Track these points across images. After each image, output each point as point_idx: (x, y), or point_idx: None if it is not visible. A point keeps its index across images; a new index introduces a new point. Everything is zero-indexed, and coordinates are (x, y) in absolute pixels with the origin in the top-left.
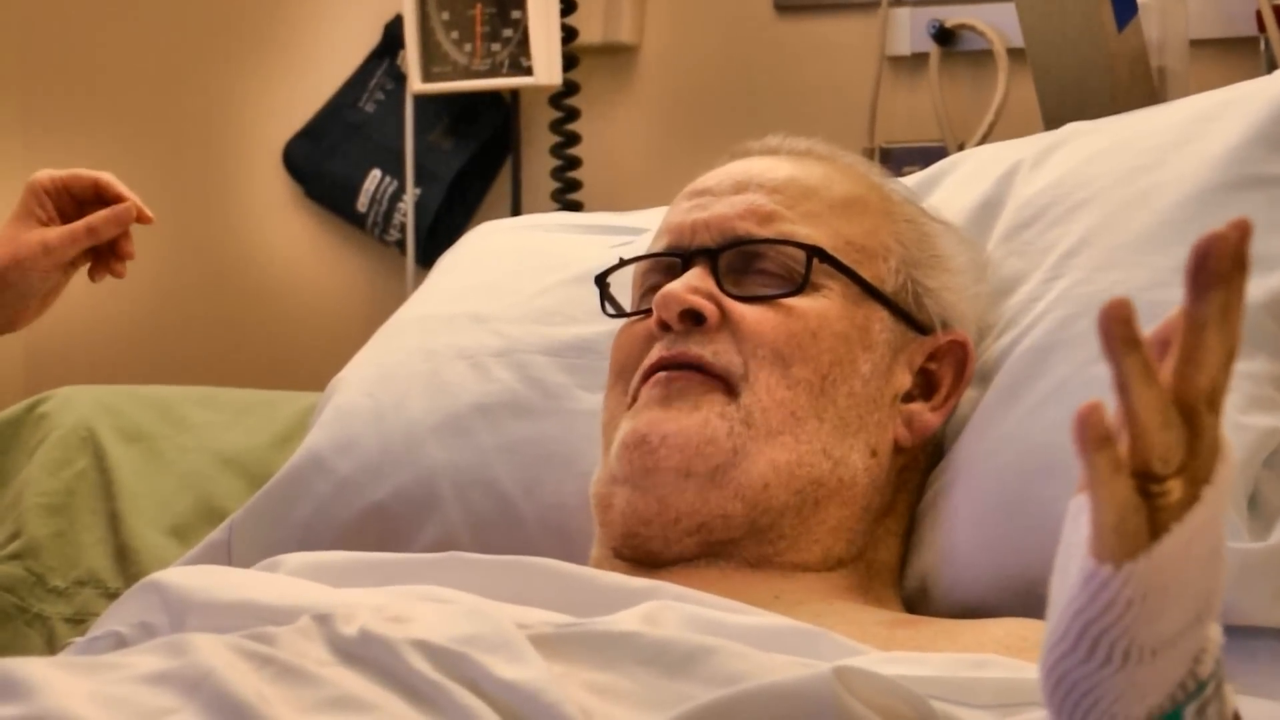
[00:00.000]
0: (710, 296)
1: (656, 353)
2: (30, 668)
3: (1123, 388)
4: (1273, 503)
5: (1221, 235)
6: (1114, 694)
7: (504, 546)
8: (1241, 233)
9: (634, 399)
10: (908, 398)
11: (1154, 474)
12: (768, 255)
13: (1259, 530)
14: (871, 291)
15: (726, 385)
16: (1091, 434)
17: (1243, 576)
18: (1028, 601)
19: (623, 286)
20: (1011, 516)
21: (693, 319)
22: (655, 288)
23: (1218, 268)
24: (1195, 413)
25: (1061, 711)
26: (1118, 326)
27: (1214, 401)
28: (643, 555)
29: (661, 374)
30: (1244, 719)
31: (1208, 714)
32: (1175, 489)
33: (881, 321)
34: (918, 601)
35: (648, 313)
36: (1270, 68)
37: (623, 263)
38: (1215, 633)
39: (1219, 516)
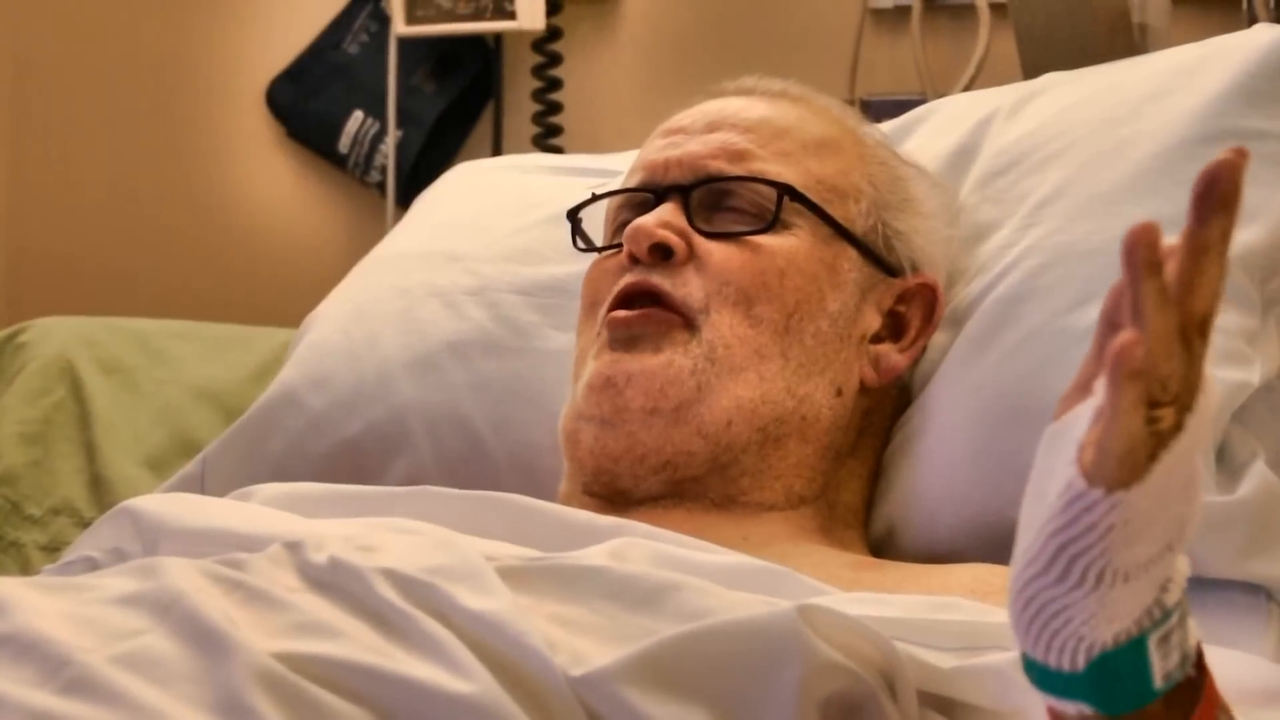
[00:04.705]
0: (680, 232)
1: (623, 282)
2: (4, 587)
3: (1140, 313)
4: (1240, 456)
5: (1228, 160)
6: (1084, 615)
7: (472, 483)
8: (1244, 158)
9: (601, 334)
10: (875, 339)
11: (1155, 400)
12: (739, 193)
13: (1226, 484)
14: (841, 231)
15: (685, 320)
16: (1143, 256)
17: (1210, 530)
18: (994, 547)
19: (596, 225)
20: (979, 463)
21: (662, 253)
22: (627, 224)
23: (1224, 191)
24: (1189, 340)
25: (1029, 632)
26: (1142, 250)
27: (1205, 329)
28: (612, 493)
29: (620, 313)
30: (1211, 665)
31: (1171, 642)
32: (1167, 416)
33: (850, 261)
34: (884, 546)
35: (619, 247)
36: (1251, 23)
37: (595, 198)
38: (1183, 564)
39: (1197, 446)
